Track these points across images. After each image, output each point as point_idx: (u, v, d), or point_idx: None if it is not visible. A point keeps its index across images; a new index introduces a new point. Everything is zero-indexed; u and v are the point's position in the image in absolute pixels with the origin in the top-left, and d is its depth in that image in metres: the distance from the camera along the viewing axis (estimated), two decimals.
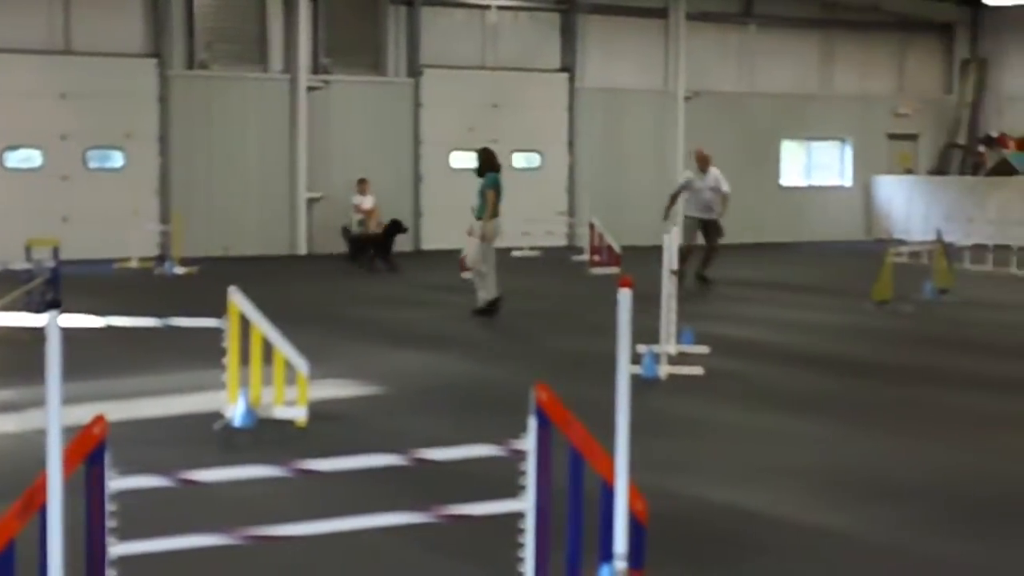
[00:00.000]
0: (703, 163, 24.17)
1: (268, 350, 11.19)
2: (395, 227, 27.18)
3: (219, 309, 11.22)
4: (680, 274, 22.13)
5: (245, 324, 11.05)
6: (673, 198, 24.10)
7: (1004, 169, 35.35)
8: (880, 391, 13.52)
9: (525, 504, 6.11)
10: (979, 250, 27.59)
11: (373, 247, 27.15)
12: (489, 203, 19.06)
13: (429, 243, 31.78)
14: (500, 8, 33.13)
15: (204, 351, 12.55)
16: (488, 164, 19.41)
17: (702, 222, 24.15)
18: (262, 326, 11.09)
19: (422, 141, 32.01)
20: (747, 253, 30.62)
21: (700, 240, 24.13)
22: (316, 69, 31.00)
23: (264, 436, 10.75)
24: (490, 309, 19.05)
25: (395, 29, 31.99)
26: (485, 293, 19.09)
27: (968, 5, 38.01)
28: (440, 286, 23.58)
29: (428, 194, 32.19)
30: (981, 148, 37.99)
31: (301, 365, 11.15)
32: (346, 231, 28.22)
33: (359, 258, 27.18)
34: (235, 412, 11.03)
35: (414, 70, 32.02)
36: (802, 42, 37.00)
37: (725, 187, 23.91)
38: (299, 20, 30.47)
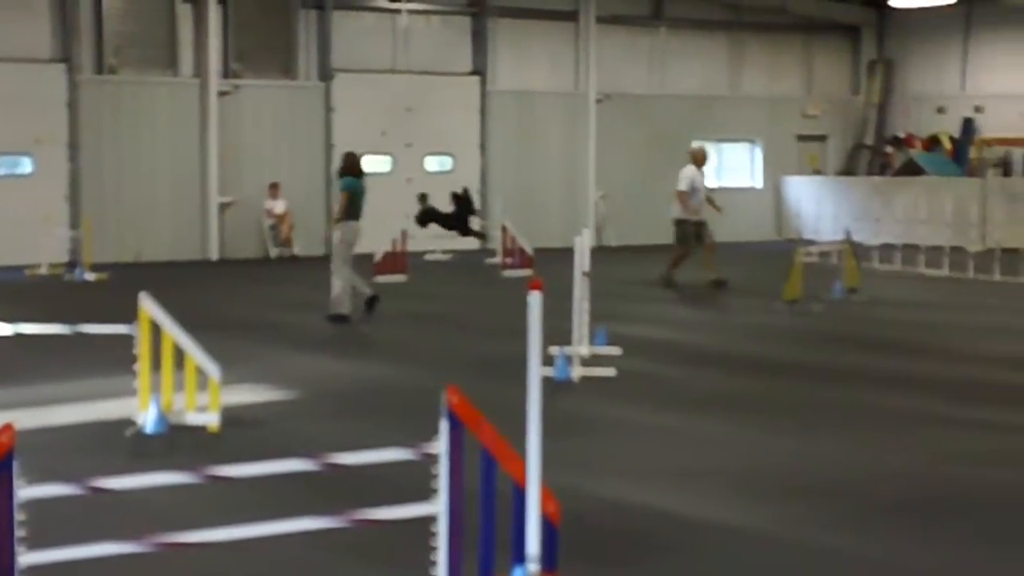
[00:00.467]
0: (702, 162, 23.84)
1: (180, 356, 11.13)
2: (461, 201, 28.22)
3: (130, 315, 11.14)
4: (669, 280, 22.38)
5: (156, 330, 10.98)
6: (683, 195, 23.45)
7: (911, 169, 35.77)
8: (790, 390, 13.64)
9: (437, 507, 6.13)
10: (887, 249, 27.90)
11: (456, 225, 27.77)
12: (341, 206, 19.05)
13: None
14: (411, 12, 33.10)
15: (115, 358, 12.45)
16: (348, 168, 19.39)
17: (696, 224, 23.60)
18: (173, 332, 11.03)
19: (334, 145, 31.90)
20: (659, 254, 30.73)
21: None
22: (226, 73, 30.82)
23: (176, 442, 10.68)
24: (341, 317, 18.85)
25: (305, 33, 31.87)
26: (337, 303, 18.89)
27: (874, 7, 38.44)
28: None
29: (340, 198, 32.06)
30: (888, 149, 38.42)
31: (213, 371, 11.09)
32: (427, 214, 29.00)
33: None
34: (147, 418, 10.95)
35: (325, 74, 31.92)
36: (711, 44, 37.26)
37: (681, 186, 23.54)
38: (208, 24, 30.29)
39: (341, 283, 18.87)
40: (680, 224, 23.65)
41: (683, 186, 23.50)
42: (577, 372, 13.99)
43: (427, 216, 29.23)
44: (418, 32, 33.22)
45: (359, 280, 19.29)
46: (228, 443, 10.70)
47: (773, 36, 38.05)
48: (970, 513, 8.77)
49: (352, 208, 19.01)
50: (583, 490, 9.04)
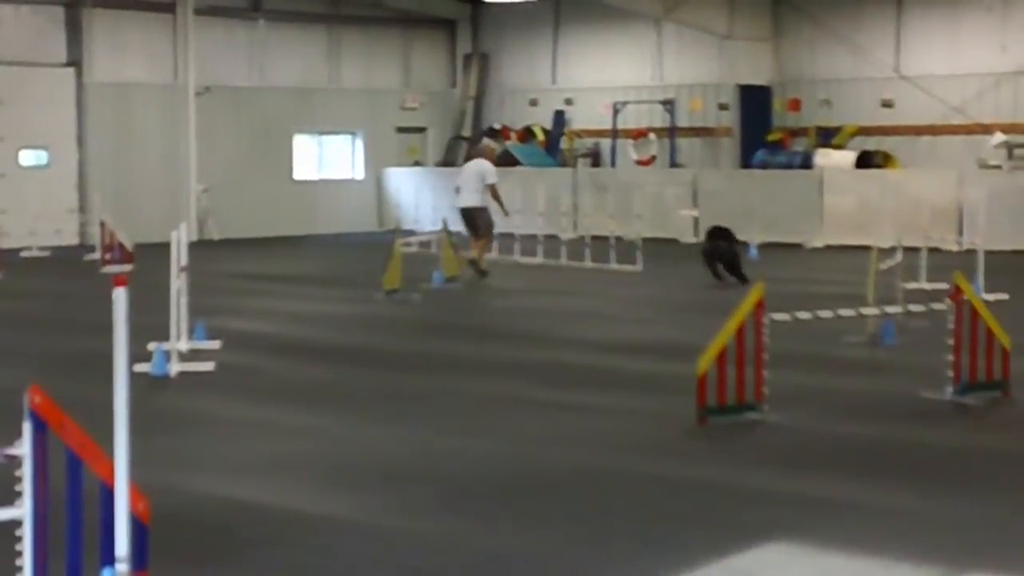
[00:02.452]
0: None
1: None
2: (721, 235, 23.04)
3: None
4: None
5: None
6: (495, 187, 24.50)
7: (507, 160, 36.56)
8: (387, 379, 13.84)
9: (22, 511, 5.97)
10: None
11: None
12: None
13: None
14: (0, 1, 31.95)
15: None
16: None
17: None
18: None
19: None
20: (260, 247, 30.66)
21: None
22: None
23: None
24: None
25: None
26: None
27: (468, 2, 39.19)
28: None
29: None
30: (485, 140, 39.22)
31: None
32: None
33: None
34: None
35: None
36: (310, 37, 37.25)
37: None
38: None
39: None
40: (484, 212, 24.39)
41: (494, 179, 24.41)
42: (175, 368, 13.82)
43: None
44: (7, 21, 32.06)
45: None
46: None
47: (371, 29, 38.33)
48: (552, 492, 9.09)
49: None
50: (177, 487, 8.96)
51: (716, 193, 32.33)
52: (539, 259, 26.62)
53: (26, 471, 5.95)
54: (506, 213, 24.66)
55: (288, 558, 7.59)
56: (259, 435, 11.09)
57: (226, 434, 11.14)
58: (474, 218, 24.29)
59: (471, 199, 24.40)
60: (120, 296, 5.97)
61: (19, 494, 5.96)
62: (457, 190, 24.92)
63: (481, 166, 24.74)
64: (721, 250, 22.60)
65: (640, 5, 34.77)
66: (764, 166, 33.15)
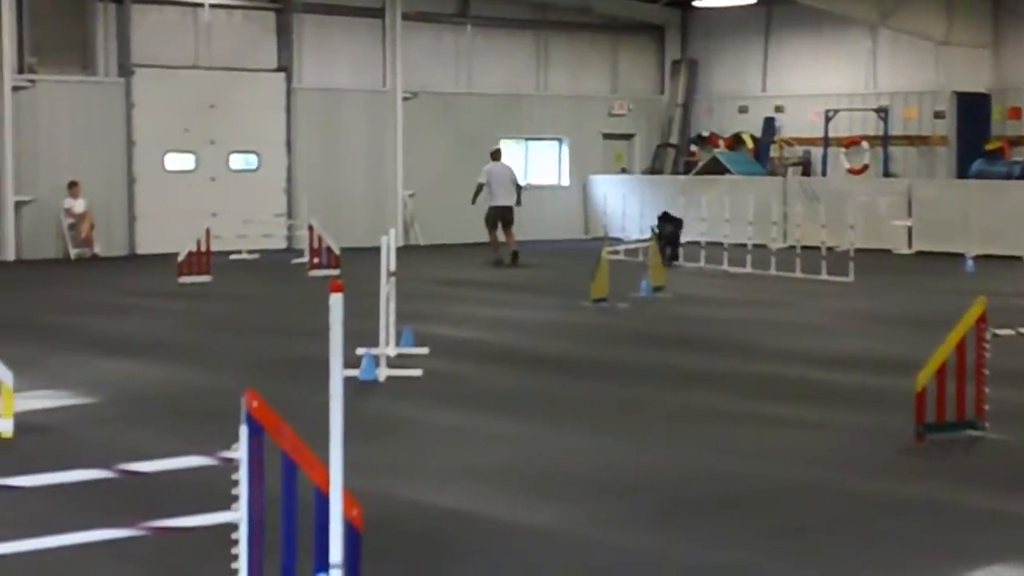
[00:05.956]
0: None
1: None
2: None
3: None
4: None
5: None
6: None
7: (715, 168, 36.37)
8: (592, 389, 13.80)
9: (238, 515, 6.06)
10: (692, 247, 28.35)
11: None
12: None
13: (144, 247, 31.16)
14: (213, 6, 32.71)
15: None
16: None
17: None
18: None
19: (135, 142, 31.39)
20: (465, 253, 30.87)
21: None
22: (21, 68, 30.12)
23: None
24: None
25: (104, 27, 31.27)
26: None
27: (677, 7, 39.01)
28: (153, 292, 23.15)
29: (142, 197, 31.56)
30: (693, 147, 39.04)
31: (5, 375, 10.84)
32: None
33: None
34: None
35: (125, 69, 31.37)
36: (517, 43, 37.47)
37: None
38: (1, 17, 29.55)
39: None
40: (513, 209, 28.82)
41: (522, 182, 28.80)
42: (383, 373, 13.96)
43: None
44: (220, 27, 32.85)
45: None
46: (21, 451, 10.47)
47: (578, 35, 38.39)
48: (765, 508, 8.96)
49: None
50: (386, 493, 9.02)
51: (931, 203, 31.69)
52: (747, 269, 26.38)
53: (243, 475, 6.03)
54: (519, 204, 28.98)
55: (494, 570, 7.59)
56: (464, 442, 11.14)
57: (432, 441, 11.21)
58: (510, 215, 28.60)
59: (508, 199, 28.59)
60: (336, 302, 6.03)
61: (236, 498, 6.05)
62: (489, 191, 28.62)
63: (511, 171, 29.21)
64: (666, 232, 27.74)
65: (855, 11, 34.25)
66: (982, 176, 32.35)
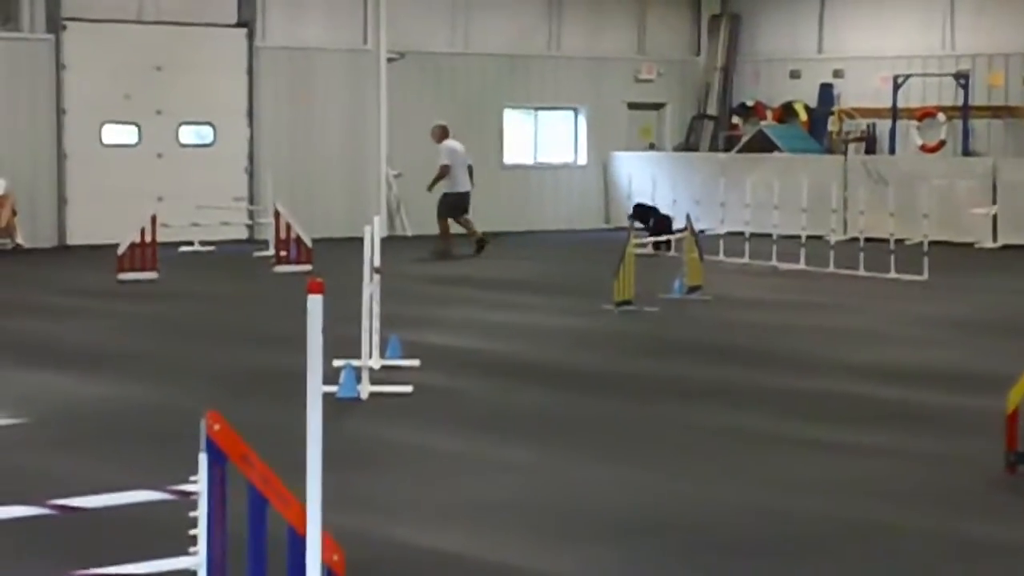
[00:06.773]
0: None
1: None
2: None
3: None
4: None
5: None
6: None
7: (761, 144, 36.33)
8: (613, 408, 13.82)
9: (196, 559, 6.08)
10: (734, 239, 28.34)
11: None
12: None
13: (77, 237, 31.10)
14: None
15: None
16: None
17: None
18: None
19: (66, 111, 31.37)
20: (462, 245, 30.87)
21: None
22: None
23: None
24: None
25: None
26: None
27: None
28: (88, 290, 23.15)
29: (74, 177, 31.53)
30: (735, 119, 39.00)
31: None
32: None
33: None
34: None
35: (54, 23, 31.35)
36: None
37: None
38: None
39: None
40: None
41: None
42: (366, 389, 13.98)
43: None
44: None
45: None
46: None
47: None
48: (818, 552, 8.97)
49: None
50: (372, 533, 9.04)
51: (1020, 187, 31.69)
52: (801, 265, 26.36)
53: (202, 511, 6.05)
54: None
55: None
56: (464, 472, 11.15)
57: (427, 470, 11.23)
58: (468, 201, 29.45)
59: (468, 183, 29.60)
60: (315, 305, 6.03)
61: (194, 539, 6.07)
62: (451, 174, 29.36)
63: (464, 150, 29.82)
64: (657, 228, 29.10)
65: None
66: None
